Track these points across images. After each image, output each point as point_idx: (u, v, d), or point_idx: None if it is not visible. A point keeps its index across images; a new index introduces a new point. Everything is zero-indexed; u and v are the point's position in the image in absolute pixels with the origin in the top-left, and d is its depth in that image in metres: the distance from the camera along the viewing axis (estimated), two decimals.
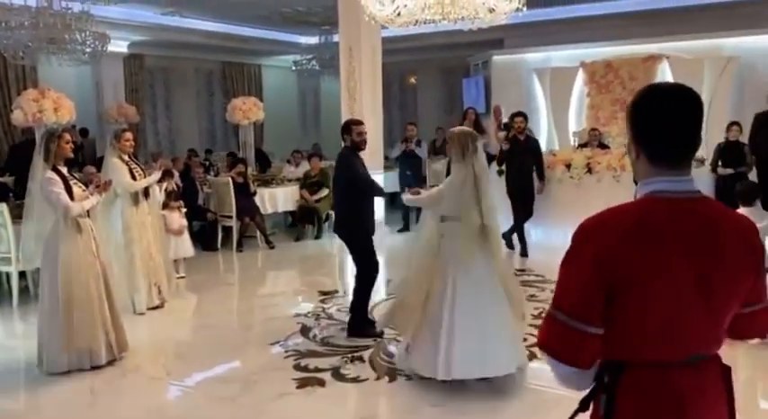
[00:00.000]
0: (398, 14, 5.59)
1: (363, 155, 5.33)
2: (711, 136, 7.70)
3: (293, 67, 14.82)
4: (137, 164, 6.02)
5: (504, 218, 6.45)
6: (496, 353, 3.94)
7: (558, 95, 11.20)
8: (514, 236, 7.75)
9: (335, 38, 11.20)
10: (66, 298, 4.40)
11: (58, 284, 4.40)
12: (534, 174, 7.90)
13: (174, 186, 7.70)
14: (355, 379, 4.31)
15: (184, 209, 7.35)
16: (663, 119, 1.49)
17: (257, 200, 9.05)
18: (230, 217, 8.63)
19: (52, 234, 4.48)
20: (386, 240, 8.73)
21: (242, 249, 8.70)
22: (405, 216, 9.87)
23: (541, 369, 3.92)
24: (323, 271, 7.74)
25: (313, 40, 13.85)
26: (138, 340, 5.05)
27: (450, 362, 3.92)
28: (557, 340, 1.53)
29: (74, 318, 4.42)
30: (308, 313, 5.84)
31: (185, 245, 7.23)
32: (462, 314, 3.93)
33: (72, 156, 4.73)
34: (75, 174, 5.16)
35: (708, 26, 9.93)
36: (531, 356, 4.34)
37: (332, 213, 7.96)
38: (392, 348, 4.83)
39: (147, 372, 4.62)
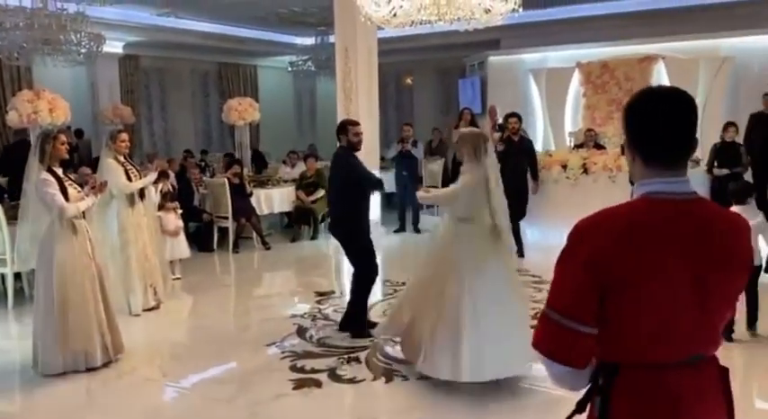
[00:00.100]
0: (394, 15, 5.59)
1: (360, 155, 5.32)
2: (707, 136, 7.73)
3: (289, 68, 14.81)
4: (132, 165, 6.00)
5: None
6: (514, 352, 3.94)
7: (554, 96, 11.23)
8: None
9: (331, 38, 11.20)
10: (61, 300, 4.39)
11: (53, 285, 4.39)
12: (528, 175, 7.91)
13: (170, 187, 7.67)
14: (352, 380, 4.31)
15: (180, 211, 7.33)
16: (658, 122, 1.50)
17: (253, 200, 9.04)
18: (226, 218, 8.62)
19: (47, 235, 4.46)
20: (382, 241, 8.73)
21: (238, 250, 8.69)
22: (401, 216, 9.87)
23: (535, 370, 3.93)
24: (319, 272, 7.73)
25: (309, 40, 13.85)
26: (133, 341, 5.03)
27: (482, 364, 3.90)
28: (550, 339, 1.53)
29: (69, 320, 4.41)
30: (305, 314, 5.83)
31: (181, 247, 7.21)
32: (483, 315, 3.92)
33: (67, 157, 4.72)
34: (71, 176, 5.14)
35: (703, 27, 9.97)
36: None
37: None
38: (389, 349, 4.83)
39: (142, 374, 4.61)
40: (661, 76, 10.14)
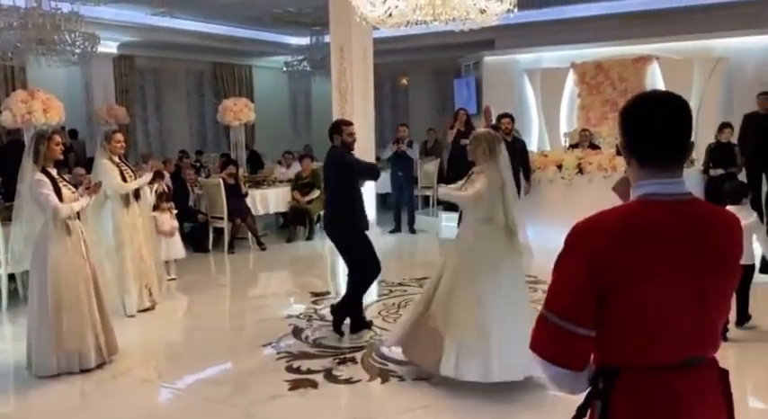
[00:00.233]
0: (390, 15, 5.58)
1: (356, 155, 5.32)
2: (701, 137, 7.75)
3: (284, 68, 14.79)
4: (127, 165, 5.99)
5: None
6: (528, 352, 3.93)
7: (549, 96, 11.24)
8: None
9: (326, 38, 11.20)
10: (55, 301, 4.37)
11: (47, 286, 4.37)
12: (521, 175, 7.92)
13: (165, 188, 7.66)
14: (348, 381, 4.31)
15: (175, 211, 7.31)
16: (653, 126, 1.52)
17: (249, 201, 9.03)
18: (221, 218, 8.60)
19: (41, 236, 4.44)
20: (378, 241, 8.73)
21: (233, 250, 8.67)
22: (396, 217, 9.87)
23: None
24: (315, 273, 7.72)
25: (304, 40, 13.83)
26: (128, 342, 5.02)
27: (512, 363, 3.90)
28: (549, 342, 1.53)
29: (63, 321, 4.39)
30: (300, 314, 5.83)
31: (176, 247, 7.19)
32: (506, 313, 3.91)
33: (62, 157, 4.69)
34: (65, 176, 5.12)
35: (697, 27, 9.99)
36: None
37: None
38: (384, 349, 4.83)
39: (137, 375, 4.60)
40: (655, 77, 10.16)
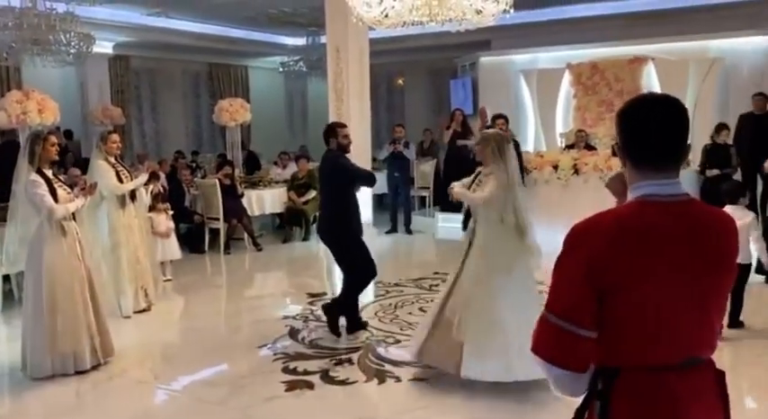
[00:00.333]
0: (386, 16, 5.58)
1: (352, 156, 5.32)
2: (697, 137, 7.77)
3: (280, 69, 14.77)
4: (123, 166, 5.97)
5: None
6: None
7: (545, 97, 11.26)
8: None
9: (322, 39, 11.18)
10: (49, 302, 4.36)
11: (42, 287, 4.36)
12: None
13: (161, 188, 7.64)
14: (344, 382, 4.30)
15: (171, 212, 7.30)
16: (648, 128, 1.53)
17: (245, 201, 9.01)
18: (217, 219, 8.58)
19: (36, 237, 4.43)
20: (374, 242, 8.73)
21: (229, 251, 8.65)
22: (393, 217, 9.87)
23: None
24: (311, 273, 7.72)
25: (300, 41, 13.82)
26: (124, 343, 5.00)
27: (532, 362, 3.88)
28: (550, 343, 1.53)
29: (57, 322, 4.38)
30: (297, 315, 5.82)
31: (172, 248, 7.17)
32: (522, 312, 3.87)
33: (57, 158, 4.68)
34: (61, 177, 5.10)
35: (693, 28, 10.01)
36: None
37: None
38: (381, 350, 4.83)
39: (133, 376, 4.58)
40: (651, 78, 10.18)
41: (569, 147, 9.54)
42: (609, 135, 9.47)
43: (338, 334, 5.11)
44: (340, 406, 4.09)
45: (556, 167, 8.51)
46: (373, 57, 9.17)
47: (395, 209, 9.94)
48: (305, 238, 9.41)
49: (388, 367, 4.51)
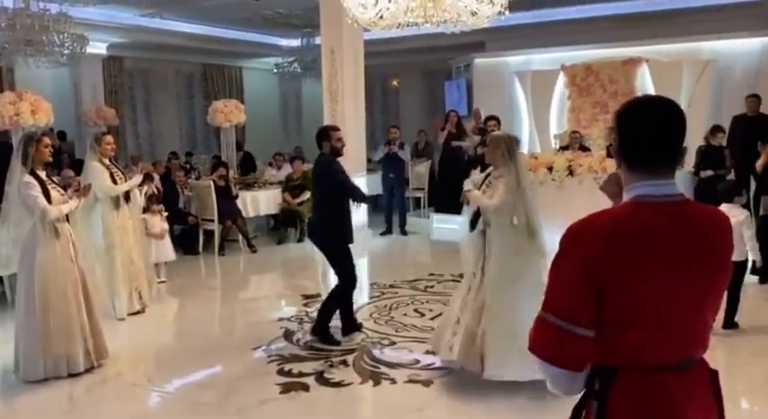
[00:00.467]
0: (381, 17, 5.57)
1: (347, 157, 5.30)
2: (691, 138, 7.76)
3: (274, 70, 14.74)
4: (117, 167, 5.95)
5: None
6: None
7: (540, 98, 11.27)
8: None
9: (317, 40, 11.17)
10: (42, 304, 4.33)
11: (35, 289, 4.33)
12: None
13: (155, 190, 7.61)
14: (339, 384, 4.30)
15: (165, 213, 7.27)
16: (642, 130, 1.54)
17: (239, 203, 8.99)
18: (212, 220, 8.56)
19: (29, 238, 4.40)
20: (369, 243, 8.72)
21: (224, 253, 8.63)
22: (388, 219, 9.87)
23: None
24: (306, 275, 7.70)
25: (294, 42, 13.79)
26: (118, 346, 4.98)
27: None
28: (547, 342, 1.54)
29: (50, 324, 4.35)
30: (292, 317, 5.81)
31: (166, 249, 7.15)
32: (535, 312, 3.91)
33: (51, 160, 4.65)
34: (54, 178, 5.08)
35: (686, 30, 10.05)
36: None
37: None
38: (376, 352, 4.82)
39: (127, 379, 4.56)
40: (645, 79, 10.21)
41: (564, 148, 9.55)
42: (603, 136, 9.48)
43: (337, 343, 5.04)
44: (335, 409, 4.08)
45: (550, 169, 8.52)
46: (368, 59, 9.17)
47: (390, 210, 9.93)
48: (300, 240, 9.39)
49: (383, 369, 4.51)
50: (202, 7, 10.69)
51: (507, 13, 5.69)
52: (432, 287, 6.71)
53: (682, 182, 7.39)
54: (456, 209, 8.48)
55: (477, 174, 4.50)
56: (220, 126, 10.38)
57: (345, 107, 8.57)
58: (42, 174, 4.49)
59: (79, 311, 4.48)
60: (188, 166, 11.15)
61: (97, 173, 5.60)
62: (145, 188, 6.99)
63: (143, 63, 13.40)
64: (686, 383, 1.53)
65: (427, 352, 4.77)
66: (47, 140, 4.54)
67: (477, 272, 4.23)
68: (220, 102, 10.55)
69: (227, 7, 10.64)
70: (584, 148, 9.35)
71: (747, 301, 5.19)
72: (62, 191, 4.61)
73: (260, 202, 9.46)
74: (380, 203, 10.72)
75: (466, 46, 11.14)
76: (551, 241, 1.60)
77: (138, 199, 6.52)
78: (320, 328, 5.11)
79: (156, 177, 8.53)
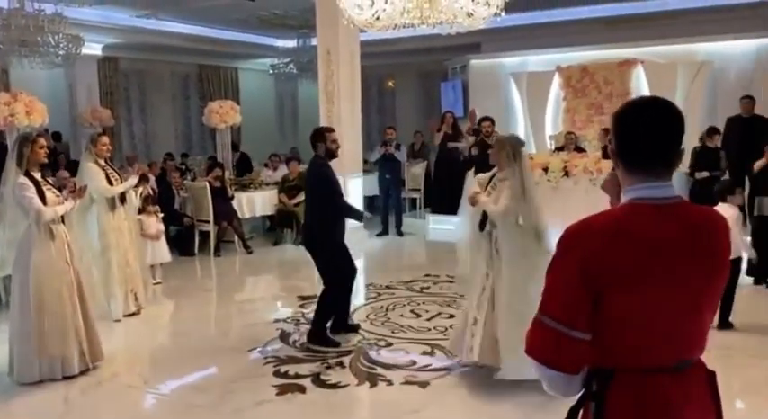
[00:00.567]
0: (377, 18, 5.56)
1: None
2: (686, 140, 7.80)
3: (270, 71, 14.73)
4: (113, 168, 5.93)
5: None
6: None
7: (535, 99, 11.30)
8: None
9: (313, 41, 11.16)
10: (37, 305, 4.32)
11: (30, 291, 4.31)
12: None
13: (150, 191, 7.59)
14: (336, 385, 4.29)
15: (161, 214, 7.25)
16: (638, 132, 1.54)
17: (235, 204, 8.97)
18: (207, 221, 8.54)
19: (24, 240, 4.39)
20: (365, 244, 8.71)
21: (219, 254, 8.61)
22: (384, 220, 9.86)
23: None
24: (302, 276, 7.67)
25: (290, 43, 13.79)
26: (114, 348, 4.97)
27: None
28: (544, 345, 1.54)
29: (45, 326, 4.33)
30: (288, 318, 5.80)
31: (162, 251, 7.13)
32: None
33: (46, 161, 4.63)
34: (49, 179, 5.06)
35: (681, 31, 10.09)
36: None
37: None
38: (372, 353, 4.82)
39: (123, 381, 4.55)
40: (640, 81, 10.24)
41: (559, 149, 9.57)
42: (598, 137, 9.50)
43: (336, 345, 5.02)
44: (331, 410, 4.08)
45: (546, 170, 8.53)
46: (364, 60, 9.16)
47: (386, 211, 9.93)
48: (296, 241, 9.36)
49: (379, 370, 4.51)
50: (198, 8, 10.67)
51: (503, 14, 5.69)
52: (428, 288, 6.71)
53: (677, 183, 7.34)
54: (452, 210, 8.47)
55: (481, 175, 4.50)
56: (216, 127, 10.36)
57: (341, 108, 8.56)
58: (37, 176, 4.47)
59: (74, 313, 4.47)
60: (183, 167, 11.13)
61: (93, 174, 5.58)
62: (140, 189, 6.97)
63: (138, 64, 13.37)
64: (683, 384, 1.53)
65: (424, 354, 4.78)
66: (42, 141, 4.52)
67: (491, 272, 4.25)
68: (216, 102, 10.54)
69: (222, 8, 10.63)
70: (580, 149, 9.37)
71: (742, 302, 5.21)
72: (57, 193, 4.60)
73: (256, 203, 9.45)
74: (376, 204, 10.72)
75: (462, 47, 11.16)
76: (549, 241, 1.60)
77: (134, 200, 6.50)
78: (316, 332, 5.09)
79: (152, 178, 8.52)
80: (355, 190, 8.55)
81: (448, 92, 12.61)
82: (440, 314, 5.77)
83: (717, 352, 4.57)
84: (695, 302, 1.53)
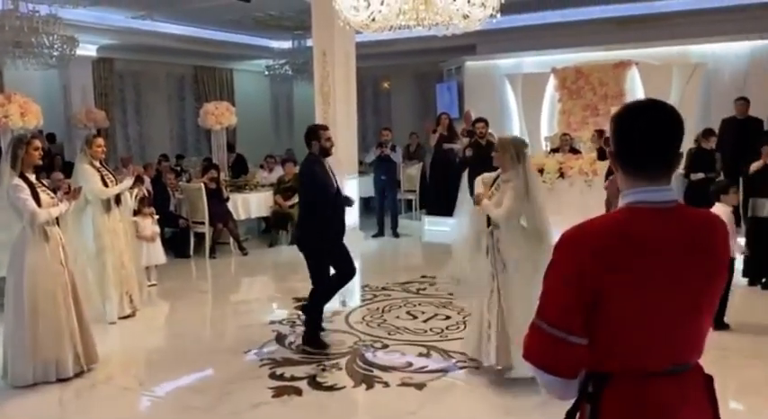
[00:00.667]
0: (373, 20, 5.57)
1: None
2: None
3: (266, 72, 14.72)
4: (108, 170, 5.90)
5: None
6: None
7: (530, 101, 11.32)
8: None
9: (308, 42, 11.15)
10: (31, 308, 4.30)
11: (24, 293, 4.29)
12: None
13: (146, 192, 7.57)
14: (332, 387, 4.28)
15: (156, 216, 7.23)
16: (634, 136, 1.54)
17: (230, 205, 8.95)
18: (203, 223, 8.52)
19: (19, 242, 4.37)
20: (361, 245, 8.71)
21: (215, 256, 8.59)
22: (380, 221, 9.86)
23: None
24: (297, 278, 7.62)
25: (286, 44, 13.77)
26: (109, 350, 4.94)
27: None
28: (541, 350, 1.54)
29: (39, 328, 4.31)
30: (283, 320, 5.79)
31: (157, 252, 7.11)
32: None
33: (41, 163, 4.61)
34: (44, 181, 5.04)
35: (676, 33, 10.13)
36: None
37: None
38: (369, 355, 4.81)
39: (118, 383, 4.52)
40: (635, 82, 10.28)
41: (554, 150, 9.59)
42: (591, 139, 9.52)
43: (325, 346, 5.00)
44: (328, 413, 4.07)
45: (541, 171, 8.55)
46: (359, 61, 9.17)
47: (381, 212, 9.93)
48: (291, 242, 9.34)
49: (376, 372, 4.50)
50: (193, 9, 10.65)
51: (499, 16, 5.70)
52: (424, 289, 6.71)
53: (672, 184, 7.43)
54: (448, 212, 8.47)
55: (486, 175, 4.50)
56: (211, 128, 10.34)
57: (337, 109, 8.56)
58: (32, 177, 4.45)
59: (68, 315, 4.45)
60: (179, 169, 11.10)
61: (88, 175, 5.55)
62: (136, 191, 6.95)
63: (133, 65, 13.34)
64: (680, 388, 1.53)
65: (420, 355, 4.78)
66: (36, 143, 4.50)
67: (495, 272, 4.26)
68: (211, 104, 10.51)
69: (217, 9, 10.61)
70: (575, 151, 9.39)
71: (739, 303, 5.23)
72: (52, 194, 4.58)
73: (251, 205, 9.43)
74: (372, 205, 10.72)
75: (457, 49, 11.17)
76: (551, 243, 1.60)
77: (129, 202, 6.48)
78: (306, 333, 5.08)
79: (147, 180, 8.49)
80: (351, 191, 8.53)
81: (443, 93, 12.63)
82: (436, 315, 5.77)
83: (713, 352, 4.60)
84: (694, 304, 1.53)
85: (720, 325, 4.99)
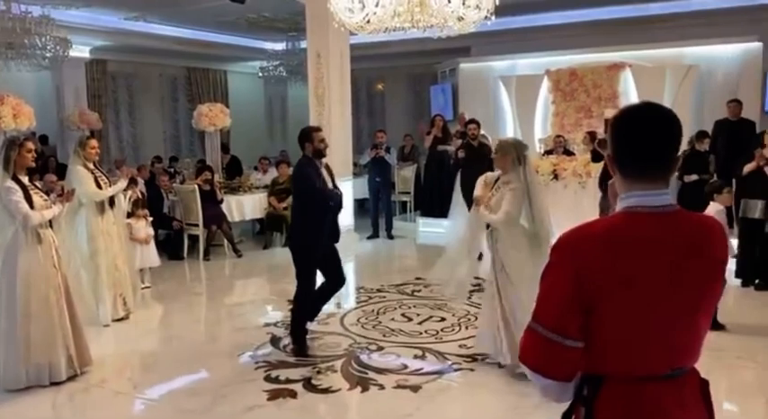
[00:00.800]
0: (368, 22, 5.56)
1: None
2: None
3: (260, 74, 14.70)
4: (101, 172, 5.87)
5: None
6: None
7: (524, 102, 11.34)
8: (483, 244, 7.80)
9: (302, 44, 11.15)
10: (24, 311, 4.27)
11: (16, 296, 4.27)
12: None
13: (139, 194, 7.54)
14: (327, 390, 4.27)
15: (150, 218, 7.20)
16: (631, 139, 1.54)
17: (224, 207, 8.93)
18: (197, 225, 8.49)
19: (11, 244, 4.34)
20: (356, 247, 8.70)
21: (209, 258, 8.56)
22: (374, 222, 9.86)
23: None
24: (292, 280, 7.53)
25: (280, 45, 13.76)
26: (102, 353, 4.91)
27: None
28: (537, 353, 1.53)
29: (32, 331, 4.29)
30: (278, 322, 5.77)
31: (151, 255, 7.08)
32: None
33: (33, 165, 4.58)
34: (37, 183, 5.01)
35: (669, 35, 10.18)
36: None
37: None
38: (364, 357, 4.80)
39: (112, 386, 4.50)
40: (628, 84, 10.32)
41: (548, 152, 9.62)
42: (583, 141, 9.55)
43: (301, 352, 4.95)
44: (323, 415, 4.06)
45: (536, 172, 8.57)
46: (354, 63, 9.16)
47: (376, 214, 9.93)
48: (285, 244, 9.32)
49: (371, 374, 4.49)
50: (187, 10, 10.63)
51: (493, 18, 5.71)
52: (419, 291, 6.71)
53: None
54: (442, 213, 8.50)
55: (489, 174, 4.53)
56: (205, 130, 10.31)
57: (332, 111, 8.55)
58: (25, 179, 4.42)
59: (61, 318, 4.42)
60: (172, 171, 11.07)
61: (81, 177, 5.52)
62: (129, 193, 6.92)
63: (127, 66, 13.30)
64: (676, 391, 1.53)
65: (415, 357, 4.77)
66: (30, 145, 4.47)
67: (495, 273, 4.28)
68: (205, 105, 10.49)
69: (211, 10, 10.59)
70: (569, 152, 9.42)
71: (732, 304, 5.25)
72: (45, 197, 4.55)
73: (245, 207, 9.40)
74: (366, 207, 10.71)
75: (451, 50, 11.19)
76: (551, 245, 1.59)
77: (123, 204, 6.45)
78: (296, 336, 5.07)
79: (141, 182, 8.45)
80: (345, 193, 8.52)
81: (438, 95, 12.64)
82: (431, 317, 5.77)
83: (706, 353, 4.62)
84: (692, 308, 1.53)
85: (715, 326, 5.01)
